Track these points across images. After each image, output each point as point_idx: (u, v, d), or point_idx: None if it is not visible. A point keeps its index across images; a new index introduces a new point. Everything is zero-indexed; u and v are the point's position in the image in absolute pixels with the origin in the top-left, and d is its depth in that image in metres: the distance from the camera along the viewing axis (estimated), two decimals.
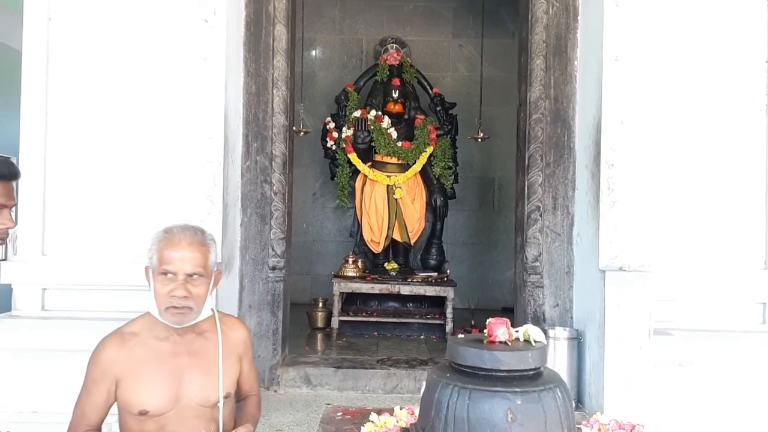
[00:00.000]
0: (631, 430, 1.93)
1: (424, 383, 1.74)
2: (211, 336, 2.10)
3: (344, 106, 6.90)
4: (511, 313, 4.76)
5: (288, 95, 4.48)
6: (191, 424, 2.01)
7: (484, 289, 8.06)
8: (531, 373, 1.63)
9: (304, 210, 8.14)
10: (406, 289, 6.25)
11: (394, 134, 6.71)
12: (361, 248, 6.96)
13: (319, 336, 6.06)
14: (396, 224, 6.74)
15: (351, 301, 6.62)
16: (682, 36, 3.84)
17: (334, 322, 6.21)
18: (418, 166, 6.74)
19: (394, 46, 7.17)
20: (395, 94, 6.86)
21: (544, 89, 4.37)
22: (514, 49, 5.17)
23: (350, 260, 6.48)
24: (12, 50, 5.84)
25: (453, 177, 6.97)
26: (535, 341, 1.71)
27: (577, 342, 3.99)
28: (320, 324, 6.32)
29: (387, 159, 6.75)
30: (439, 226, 7.05)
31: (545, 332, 3.44)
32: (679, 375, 3.61)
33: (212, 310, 2.14)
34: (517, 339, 1.73)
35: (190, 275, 1.97)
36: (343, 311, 6.33)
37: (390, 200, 6.70)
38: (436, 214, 6.97)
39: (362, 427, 2.01)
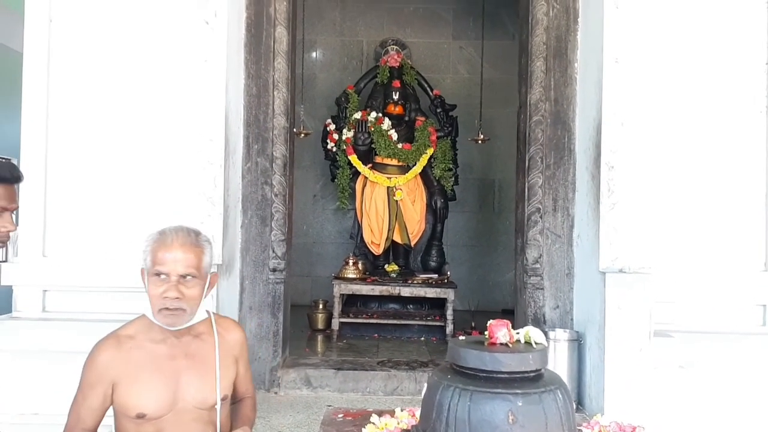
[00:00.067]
0: (632, 431, 1.93)
1: (425, 385, 1.74)
2: (208, 338, 2.10)
3: (345, 107, 6.90)
4: (511, 314, 4.76)
5: (289, 97, 4.48)
6: (189, 426, 2.01)
7: (484, 290, 8.07)
8: (532, 374, 1.63)
9: (304, 212, 8.14)
10: (406, 291, 6.25)
11: (395, 136, 6.72)
12: (361, 250, 6.96)
13: (320, 338, 6.06)
14: (396, 226, 6.74)
15: (351, 302, 6.62)
16: (682, 38, 3.85)
17: (335, 324, 6.21)
18: (418, 168, 6.74)
19: (395, 47, 7.17)
20: (395, 96, 6.86)
21: (544, 91, 4.37)
22: (515, 51, 5.18)
23: (350, 262, 6.48)
24: (12, 51, 5.85)
25: (453, 179, 6.96)
26: (536, 343, 1.71)
27: (578, 344, 3.99)
28: (320, 326, 6.33)
29: (387, 161, 6.75)
30: (440, 228, 7.05)
31: (545, 334, 3.45)
32: (679, 377, 3.62)
33: (207, 312, 2.14)
34: (518, 341, 1.73)
35: (183, 276, 1.96)
36: (344, 313, 6.32)
37: (390, 202, 6.70)
38: (436, 215, 6.97)
39: (363, 429, 2.01)
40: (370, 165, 6.75)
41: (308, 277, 8.09)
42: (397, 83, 6.91)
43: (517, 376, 1.60)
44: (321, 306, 6.44)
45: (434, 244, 7.05)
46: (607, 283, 3.60)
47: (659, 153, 3.78)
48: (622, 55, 3.71)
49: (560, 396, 1.60)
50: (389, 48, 7.18)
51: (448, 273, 6.67)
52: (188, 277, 1.97)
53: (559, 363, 3.89)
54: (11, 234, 1.81)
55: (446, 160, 6.84)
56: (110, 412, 2.05)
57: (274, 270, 4.39)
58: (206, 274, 2.04)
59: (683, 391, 3.60)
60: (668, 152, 3.82)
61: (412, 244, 6.89)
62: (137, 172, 3.84)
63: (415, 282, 6.37)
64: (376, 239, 6.80)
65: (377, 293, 6.30)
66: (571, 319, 4.25)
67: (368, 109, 6.85)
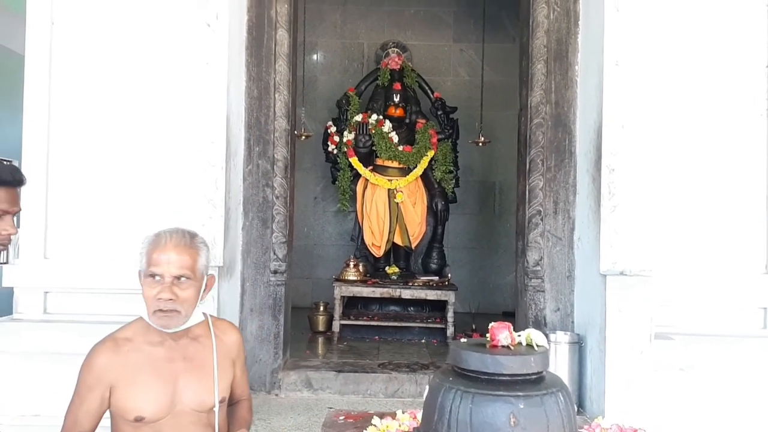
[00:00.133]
0: None
1: (427, 387, 1.74)
2: (205, 341, 2.10)
3: (345, 110, 6.91)
4: (512, 317, 4.76)
5: (290, 99, 4.49)
6: (187, 429, 2.01)
7: (485, 293, 8.07)
8: (534, 377, 1.63)
9: (305, 214, 8.15)
10: (407, 293, 6.25)
11: (396, 138, 6.72)
12: (362, 252, 6.97)
13: (320, 340, 6.06)
14: (397, 228, 6.74)
15: (352, 304, 6.62)
16: (682, 40, 3.85)
17: (335, 326, 6.21)
18: (419, 170, 6.75)
19: (396, 50, 7.19)
20: (396, 99, 6.86)
21: (545, 94, 4.37)
22: (515, 53, 5.18)
23: (351, 264, 6.48)
24: (14, 53, 5.86)
25: (454, 181, 6.97)
26: (537, 345, 1.71)
27: (578, 346, 3.99)
28: (321, 328, 6.33)
29: (388, 163, 6.76)
30: (440, 230, 7.06)
31: (546, 336, 3.45)
32: (680, 379, 3.62)
33: (204, 314, 2.14)
34: (520, 343, 1.73)
35: (178, 278, 1.96)
36: (344, 315, 6.32)
37: (391, 204, 6.70)
38: (437, 218, 6.98)
39: (364, 431, 2.01)
40: (370, 167, 6.76)
41: (309, 279, 8.10)
42: (397, 86, 6.92)
43: (519, 378, 1.61)
44: (322, 308, 6.44)
45: (435, 246, 7.05)
46: (607, 285, 3.61)
47: (660, 155, 3.78)
48: (623, 57, 3.72)
49: (562, 398, 1.60)
50: (390, 50, 7.19)
51: (449, 275, 6.67)
52: (182, 279, 1.97)
53: (559, 365, 3.89)
54: (12, 237, 1.81)
55: (447, 163, 6.85)
56: (106, 414, 2.05)
57: (275, 272, 4.39)
58: (202, 276, 2.03)
59: (684, 394, 3.60)
60: (669, 155, 3.82)
61: (413, 246, 6.89)
62: (138, 174, 3.85)
63: (415, 284, 6.37)
64: (376, 241, 6.80)
65: (378, 295, 6.30)
66: (572, 322, 4.25)
67: (369, 112, 6.86)
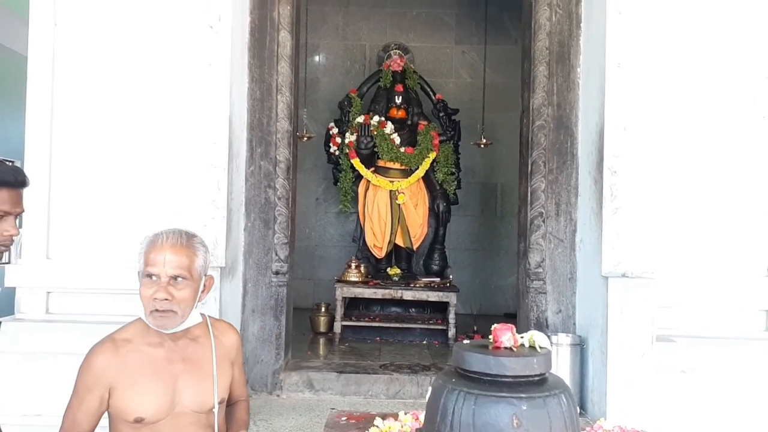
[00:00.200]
0: None
1: (430, 388, 1.75)
2: (205, 342, 2.10)
3: (347, 111, 6.92)
4: (513, 318, 4.76)
5: (292, 101, 4.49)
6: (186, 430, 2.01)
7: (486, 294, 8.07)
8: (536, 378, 1.64)
9: (306, 215, 8.15)
10: (408, 295, 6.25)
11: (397, 140, 6.73)
12: (363, 253, 6.98)
13: (322, 341, 6.06)
14: (399, 229, 6.75)
15: (353, 306, 6.62)
16: (685, 43, 3.85)
17: (337, 327, 6.22)
18: (420, 172, 6.76)
19: (398, 52, 7.20)
20: (398, 100, 6.88)
21: (546, 96, 4.38)
22: (517, 55, 5.19)
23: (353, 265, 6.49)
24: (17, 55, 5.87)
25: (456, 183, 6.98)
26: (540, 347, 1.72)
27: (580, 348, 3.99)
28: (323, 329, 6.33)
29: (390, 164, 6.77)
30: (442, 232, 7.07)
31: (548, 338, 3.45)
32: (681, 381, 3.62)
33: (202, 315, 2.14)
34: (523, 345, 1.74)
35: (174, 278, 1.96)
36: (346, 316, 6.33)
37: (393, 205, 6.71)
38: (438, 219, 6.98)
39: None
40: (372, 168, 6.77)
41: (310, 280, 8.10)
42: (399, 87, 6.93)
43: (522, 380, 1.61)
44: (323, 309, 6.44)
45: (436, 247, 7.06)
46: (609, 287, 3.61)
47: (662, 158, 3.78)
48: (625, 59, 3.72)
49: (564, 400, 1.60)
50: (392, 52, 7.21)
51: (451, 276, 6.68)
52: (179, 279, 1.97)
53: (561, 367, 3.89)
54: (14, 237, 1.81)
55: (449, 164, 6.86)
56: (104, 415, 2.05)
57: (276, 273, 4.39)
58: (200, 277, 2.03)
59: (685, 396, 3.60)
60: (671, 157, 3.82)
61: (415, 247, 6.90)
62: (141, 174, 3.85)
63: (417, 285, 6.38)
64: (378, 243, 6.81)
65: (379, 296, 6.31)
66: (574, 324, 4.26)
67: (371, 113, 6.87)
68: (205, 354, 2.08)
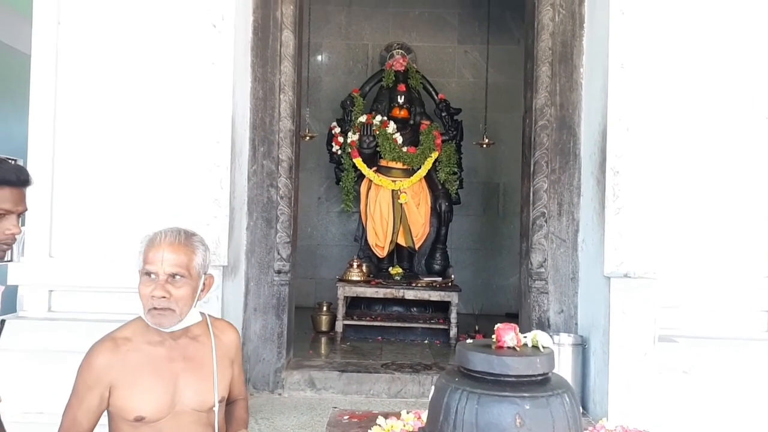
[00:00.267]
0: None
1: (433, 388, 1.75)
2: (205, 340, 2.10)
3: (350, 111, 6.92)
4: (515, 318, 4.76)
5: (295, 100, 4.50)
6: (187, 429, 2.01)
7: (488, 294, 8.07)
8: (539, 378, 1.64)
9: (308, 214, 8.15)
10: (410, 294, 6.25)
11: (400, 139, 6.73)
12: (365, 252, 6.97)
13: (323, 340, 6.06)
14: (401, 229, 6.75)
15: (355, 305, 6.62)
16: (687, 44, 3.86)
17: (338, 326, 6.22)
18: (423, 171, 6.75)
19: (400, 51, 7.20)
20: (401, 100, 6.88)
21: (549, 96, 4.38)
22: (520, 55, 5.19)
23: (355, 264, 6.49)
24: (20, 53, 5.87)
25: (458, 182, 6.98)
26: (543, 347, 1.72)
27: (582, 348, 3.99)
28: (324, 328, 6.33)
29: (392, 164, 6.77)
30: (444, 231, 7.06)
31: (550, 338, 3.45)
32: (683, 382, 3.62)
33: (202, 314, 2.14)
34: (526, 344, 1.74)
35: (172, 276, 1.96)
36: (348, 315, 6.33)
37: (395, 205, 6.71)
38: (440, 219, 6.98)
39: (369, 431, 2.02)
40: (374, 168, 6.77)
41: (312, 279, 8.10)
42: (402, 87, 6.93)
43: (525, 379, 1.61)
44: (325, 308, 6.44)
45: (438, 247, 7.06)
46: (611, 287, 3.61)
47: (665, 158, 3.78)
48: (628, 60, 3.72)
49: (567, 400, 1.61)
50: (395, 52, 7.21)
51: (452, 276, 6.68)
52: (177, 277, 1.96)
53: (563, 367, 3.89)
54: (17, 236, 1.81)
55: (451, 164, 6.86)
56: (104, 414, 2.05)
57: (278, 272, 4.40)
58: (198, 275, 2.02)
59: (687, 397, 3.60)
60: (673, 158, 3.83)
61: (417, 247, 6.89)
62: (143, 173, 3.86)
63: (419, 285, 6.38)
64: (380, 242, 6.81)
65: (381, 296, 6.31)
66: (576, 324, 4.26)
67: (373, 113, 6.86)
68: (206, 353, 2.08)
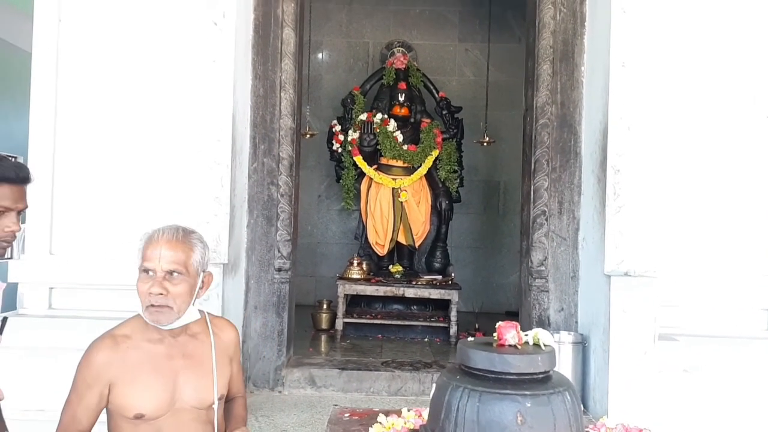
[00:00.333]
0: None
1: (434, 385, 1.75)
2: (204, 338, 2.10)
3: (350, 109, 6.91)
4: (515, 317, 4.75)
5: (295, 98, 4.49)
6: (186, 426, 2.01)
7: (488, 292, 8.07)
8: (540, 376, 1.64)
9: (309, 212, 8.15)
10: (410, 292, 6.26)
11: (400, 137, 6.72)
12: (365, 251, 6.97)
13: (324, 337, 6.06)
14: (401, 227, 6.75)
15: (355, 303, 6.63)
16: (689, 42, 3.86)
17: (339, 324, 6.23)
18: (423, 170, 6.75)
19: (401, 49, 7.19)
20: (401, 98, 6.87)
21: (550, 94, 4.37)
22: (521, 53, 5.19)
23: (355, 262, 6.49)
24: (21, 51, 5.87)
25: (458, 180, 6.97)
26: (544, 345, 1.72)
27: (582, 347, 3.99)
28: (324, 326, 6.33)
29: (393, 162, 6.76)
30: (444, 230, 7.06)
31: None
32: (683, 380, 3.62)
33: (200, 311, 2.14)
34: (527, 342, 1.74)
35: (170, 273, 1.96)
36: (348, 313, 6.34)
37: (395, 203, 6.71)
38: (441, 217, 6.98)
39: (370, 429, 2.02)
40: (375, 166, 6.77)
41: (312, 277, 8.10)
42: (402, 85, 6.92)
43: (526, 377, 1.62)
44: (325, 306, 6.44)
45: (439, 245, 7.05)
46: (612, 286, 3.61)
47: (665, 157, 3.79)
48: (629, 59, 3.72)
49: (568, 397, 1.61)
50: (395, 50, 7.20)
51: (453, 274, 6.68)
52: (174, 274, 1.97)
53: (563, 366, 3.89)
54: (17, 234, 1.81)
55: (451, 162, 6.85)
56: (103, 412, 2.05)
57: (279, 270, 4.40)
58: (197, 273, 2.02)
59: (688, 395, 3.60)
60: (674, 156, 3.83)
61: (417, 245, 6.89)
62: (144, 171, 3.86)
63: (419, 283, 6.38)
64: (380, 240, 6.81)
65: (381, 294, 6.31)
66: (576, 322, 4.26)
67: (374, 111, 6.85)
68: (205, 351, 2.08)
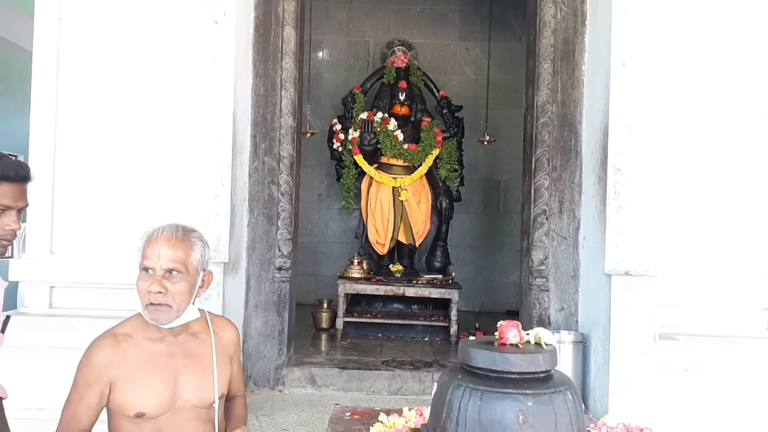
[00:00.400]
0: None
1: (435, 384, 1.75)
2: (204, 337, 2.10)
3: (351, 107, 6.90)
4: (515, 316, 4.76)
5: (296, 97, 4.49)
6: (187, 425, 2.01)
7: (488, 291, 8.07)
8: (542, 375, 1.64)
9: (309, 211, 8.15)
10: (410, 291, 6.26)
11: (401, 136, 6.72)
12: (366, 250, 6.97)
13: (324, 337, 6.06)
14: (401, 226, 6.75)
15: (355, 302, 6.63)
16: (690, 41, 3.85)
17: (339, 323, 6.23)
18: (424, 169, 6.75)
19: (401, 48, 7.18)
20: (402, 97, 6.86)
21: (551, 93, 4.37)
22: (521, 52, 5.18)
23: (355, 261, 6.49)
24: (22, 49, 5.87)
25: (459, 179, 6.97)
26: (545, 344, 1.72)
27: (582, 346, 3.99)
28: (325, 325, 6.34)
29: (393, 161, 6.76)
30: (445, 229, 7.06)
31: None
32: (684, 380, 3.62)
33: (201, 310, 2.14)
34: (528, 342, 1.74)
35: (169, 271, 1.96)
36: (348, 312, 6.34)
37: (396, 202, 6.71)
38: (441, 216, 6.97)
39: (371, 428, 2.02)
40: (375, 165, 6.76)
41: (313, 276, 8.10)
42: (403, 84, 6.92)
43: (528, 376, 1.62)
44: (325, 305, 6.45)
45: (439, 244, 7.05)
46: (612, 285, 3.61)
47: (666, 156, 3.78)
48: (630, 57, 3.72)
49: (570, 397, 1.61)
50: (396, 49, 7.19)
51: (453, 273, 6.68)
52: (174, 273, 1.96)
53: (563, 365, 3.88)
54: (17, 232, 1.80)
55: (452, 161, 6.85)
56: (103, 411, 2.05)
57: (279, 269, 4.40)
58: (196, 272, 2.02)
59: (688, 394, 3.60)
60: (675, 155, 3.83)
61: (417, 244, 6.89)
62: (145, 170, 3.86)
63: (419, 282, 6.38)
64: (381, 239, 6.81)
65: (381, 293, 6.31)
66: (576, 321, 4.26)
67: (374, 110, 6.85)
68: (205, 349, 2.08)
